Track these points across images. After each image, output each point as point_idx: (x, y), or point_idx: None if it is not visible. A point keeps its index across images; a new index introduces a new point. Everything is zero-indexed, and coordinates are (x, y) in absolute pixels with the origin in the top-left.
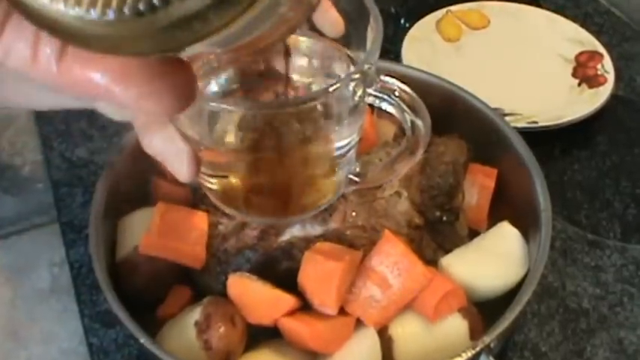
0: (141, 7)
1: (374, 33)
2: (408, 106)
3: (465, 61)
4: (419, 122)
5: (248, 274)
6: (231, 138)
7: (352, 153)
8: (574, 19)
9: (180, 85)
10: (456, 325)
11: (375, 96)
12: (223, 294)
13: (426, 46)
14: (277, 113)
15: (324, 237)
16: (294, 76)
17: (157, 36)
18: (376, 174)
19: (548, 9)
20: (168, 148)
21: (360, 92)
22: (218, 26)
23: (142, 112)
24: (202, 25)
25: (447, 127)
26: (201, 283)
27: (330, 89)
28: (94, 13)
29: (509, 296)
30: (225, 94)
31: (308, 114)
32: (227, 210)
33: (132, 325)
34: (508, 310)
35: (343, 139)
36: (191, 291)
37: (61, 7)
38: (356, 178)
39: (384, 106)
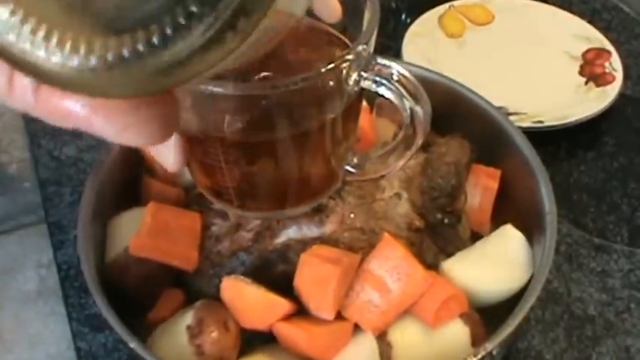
0: (125, 54)
1: (370, 13)
2: (408, 93)
3: (468, 58)
4: (418, 109)
5: (242, 277)
6: (223, 125)
7: (348, 144)
8: (581, 16)
9: (163, 116)
10: (457, 332)
11: (373, 80)
12: (216, 297)
13: (427, 43)
14: (270, 98)
15: (321, 239)
16: (288, 61)
17: (143, 81)
18: (373, 165)
19: (554, 5)
20: None
21: (354, 75)
22: (204, 68)
23: (123, 142)
24: (189, 69)
25: (450, 127)
26: (194, 286)
27: (322, 69)
28: (76, 61)
29: (512, 302)
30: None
31: (301, 98)
32: (220, 205)
33: (122, 330)
34: (511, 317)
35: (339, 129)
36: (183, 294)
37: (41, 53)
38: (353, 170)
39: (382, 90)
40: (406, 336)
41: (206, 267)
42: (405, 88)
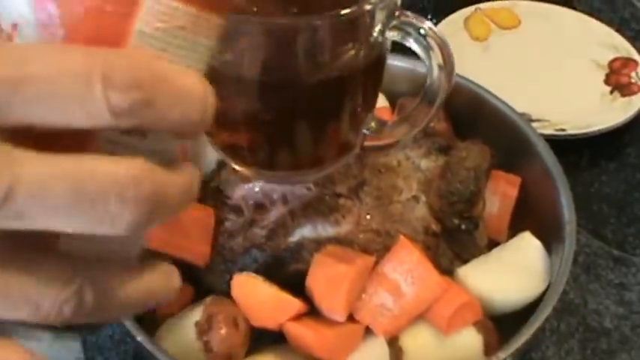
0: None
1: None
2: (436, 47)
3: (493, 62)
4: (441, 67)
5: (254, 274)
6: (242, 65)
7: (368, 105)
8: (609, 24)
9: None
10: (470, 340)
11: (399, 29)
12: (227, 294)
13: (452, 44)
14: (292, 36)
15: (335, 240)
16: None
17: None
18: (393, 128)
19: (582, 11)
20: None
21: (380, 21)
22: None
23: None
24: None
25: (471, 131)
26: (204, 282)
27: (344, 11)
28: None
29: (527, 311)
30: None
31: (325, 39)
32: (236, 165)
33: (129, 322)
34: (526, 326)
35: (360, 85)
36: (193, 289)
37: None
38: (371, 134)
39: (409, 43)
40: (418, 341)
41: (218, 262)
42: (432, 42)
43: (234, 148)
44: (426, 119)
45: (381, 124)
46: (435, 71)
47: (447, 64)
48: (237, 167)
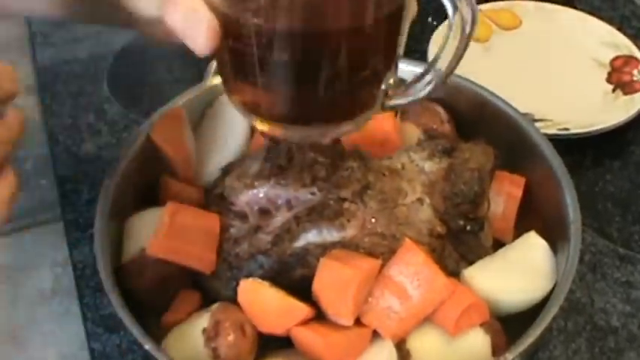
0: None
1: None
2: None
3: (494, 63)
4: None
5: (260, 280)
6: (268, 16)
7: (389, 61)
8: (610, 22)
9: None
10: (477, 341)
11: None
12: (233, 300)
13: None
14: None
15: (341, 244)
16: None
17: None
18: (417, 83)
19: (583, 10)
20: (190, 19)
21: None
22: None
23: None
24: None
25: (474, 132)
26: (211, 289)
27: None
28: None
29: (534, 311)
30: None
31: None
32: (246, 115)
33: (137, 331)
34: (533, 326)
35: (381, 35)
36: (200, 296)
37: None
38: (391, 91)
39: None
40: (426, 344)
41: (224, 269)
42: None
43: (257, 104)
44: (450, 64)
45: (402, 80)
46: (458, 11)
47: (472, 6)
48: (260, 126)
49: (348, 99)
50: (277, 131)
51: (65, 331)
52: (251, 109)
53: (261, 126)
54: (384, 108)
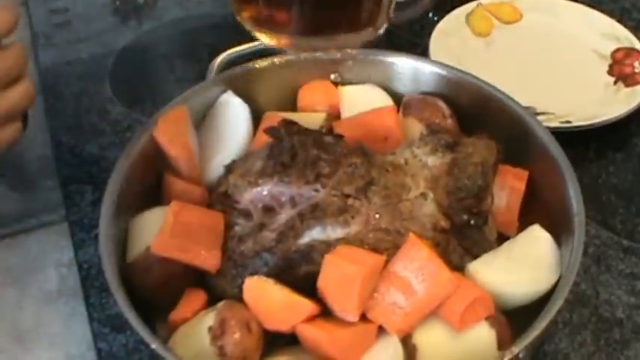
0: None
1: None
2: None
3: (496, 57)
4: None
5: (265, 277)
6: None
7: None
8: (610, 14)
9: None
10: (483, 335)
11: None
12: (239, 298)
13: (455, 41)
14: None
15: (345, 240)
16: None
17: None
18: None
19: (583, 3)
20: None
21: None
22: None
23: None
24: None
25: (477, 127)
26: (217, 287)
27: None
28: None
29: (539, 304)
30: None
31: None
32: (265, 36)
33: (143, 330)
34: (538, 319)
35: None
36: (205, 295)
37: None
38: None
39: None
40: (431, 339)
41: (229, 267)
42: None
43: (265, 18)
44: None
45: None
46: None
47: None
48: (269, 40)
49: (354, 8)
50: (286, 42)
51: (72, 331)
52: (259, 23)
53: (270, 40)
54: (390, 20)
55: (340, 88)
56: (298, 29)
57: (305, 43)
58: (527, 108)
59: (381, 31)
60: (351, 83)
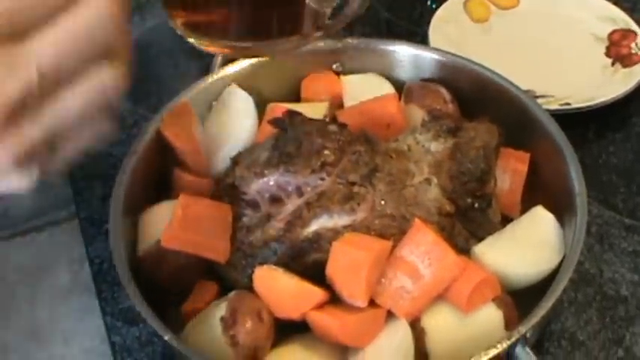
0: None
1: None
2: None
3: (495, 43)
4: None
5: (274, 266)
6: None
7: None
8: None
9: None
10: (490, 316)
11: None
12: (250, 288)
13: (453, 28)
14: None
15: (352, 227)
16: None
17: None
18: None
19: None
20: None
21: None
22: None
23: None
24: None
25: (478, 111)
26: (227, 277)
27: None
28: None
29: (544, 284)
30: None
31: None
32: (197, 41)
33: (155, 322)
34: (544, 299)
35: None
36: (217, 286)
37: None
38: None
39: None
40: (440, 321)
41: (238, 258)
42: None
43: (198, 24)
44: None
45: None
46: None
47: None
48: (203, 45)
49: (276, 15)
50: (220, 47)
51: (85, 326)
52: (192, 29)
53: (204, 46)
54: (318, 27)
55: (342, 77)
56: (230, 33)
57: (238, 48)
58: (526, 91)
59: (315, 37)
60: (352, 72)
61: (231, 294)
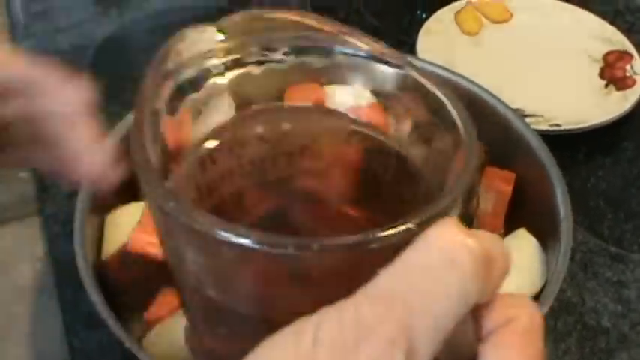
0: None
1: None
2: None
3: (485, 57)
4: None
5: None
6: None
7: None
8: (603, 16)
9: None
10: None
11: None
12: None
13: (442, 40)
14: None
15: None
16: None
17: None
18: None
19: (575, 4)
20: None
21: None
22: None
23: None
24: None
25: None
26: None
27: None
28: None
29: None
30: None
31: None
32: None
33: (117, 328)
34: None
35: None
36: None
37: None
38: None
39: None
40: None
41: None
42: None
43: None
44: None
45: None
46: None
47: None
48: None
49: None
50: None
51: (44, 327)
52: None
53: None
54: None
55: (326, 87)
56: None
57: None
58: (515, 110)
59: None
60: (336, 83)
61: None
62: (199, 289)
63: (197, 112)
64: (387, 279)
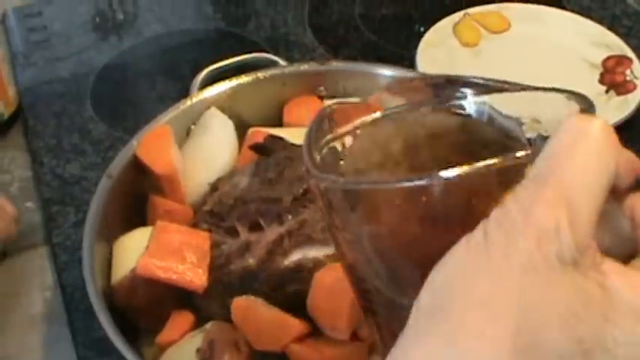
0: None
1: None
2: None
3: (484, 68)
4: None
5: (254, 297)
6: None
7: None
8: (600, 22)
9: None
10: None
11: None
12: (227, 319)
13: (442, 52)
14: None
15: (334, 257)
16: None
17: None
18: None
19: (572, 11)
20: None
21: None
22: None
23: None
24: None
25: None
26: (204, 308)
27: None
28: None
29: None
30: None
31: None
32: None
33: (129, 354)
34: None
35: None
36: (193, 316)
37: None
38: None
39: None
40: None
41: (216, 287)
42: None
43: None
44: None
45: None
46: None
47: None
48: None
49: None
50: None
51: (57, 355)
52: None
53: None
54: None
55: (326, 101)
56: None
57: None
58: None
59: None
60: (336, 97)
61: (208, 325)
62: (379, 289)
63: None
64: (529, 170)
